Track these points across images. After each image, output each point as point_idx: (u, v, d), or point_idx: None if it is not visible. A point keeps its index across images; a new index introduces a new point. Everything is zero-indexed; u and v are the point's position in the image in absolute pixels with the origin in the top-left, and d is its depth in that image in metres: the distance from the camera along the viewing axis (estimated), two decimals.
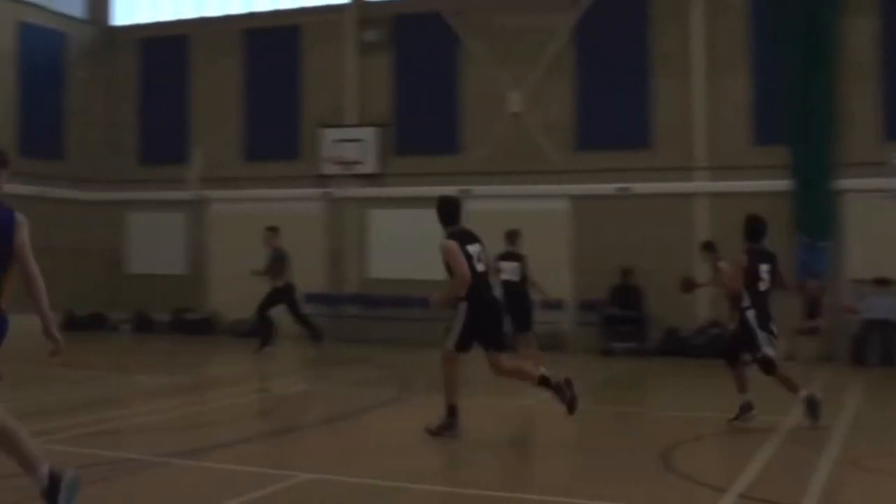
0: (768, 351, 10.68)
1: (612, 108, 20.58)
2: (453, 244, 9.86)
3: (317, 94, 23.18)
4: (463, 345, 9.94)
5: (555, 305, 19.01)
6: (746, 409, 10.78)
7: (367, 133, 22.47)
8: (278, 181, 22.79)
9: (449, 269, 9.90)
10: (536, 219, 19.94)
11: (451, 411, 9.98)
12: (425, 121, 22.07)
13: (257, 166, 23.49)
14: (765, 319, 10.73)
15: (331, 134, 22.64)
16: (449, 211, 10.32)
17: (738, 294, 10.84)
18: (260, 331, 18.05)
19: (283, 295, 17.83)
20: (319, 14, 23.52)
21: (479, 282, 9.89)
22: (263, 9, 24.42)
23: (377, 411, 12.40)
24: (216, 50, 24.38)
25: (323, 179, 22.78)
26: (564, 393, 9.80)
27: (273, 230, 18.05)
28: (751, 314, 10.72)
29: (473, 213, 21.82)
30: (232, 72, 24.10)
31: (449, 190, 21.45)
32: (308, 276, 22.06)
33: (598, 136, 20.66)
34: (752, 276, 10.76)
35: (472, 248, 9.96)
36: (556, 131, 21.16)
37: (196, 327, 22.79)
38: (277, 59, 23.62)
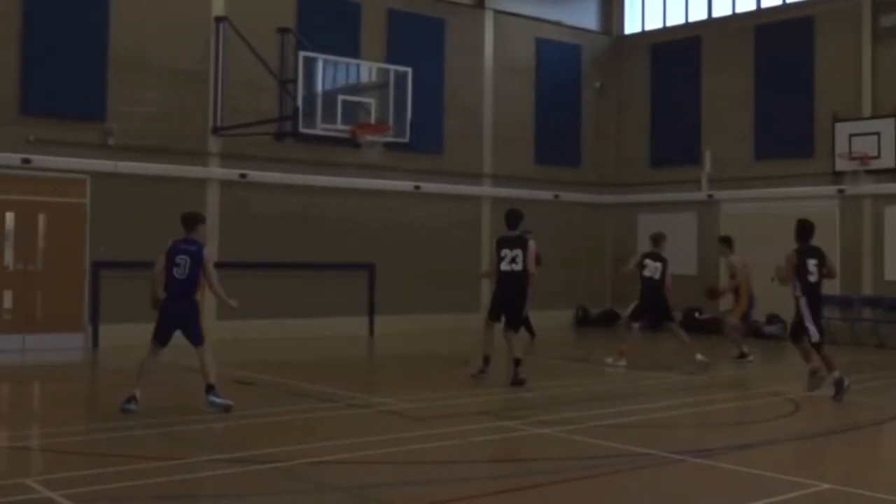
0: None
1: None
2: (494, 246, 13.73)
3: (830, 87, 22.29)
4: (492, 315, 13.89)
5: None
6: None
7: (884, 125, 21.17)
8: (789, 179, 22.22)
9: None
10: None
11: (485, 360, 13.73)
12: None
13: (768, 164, 23.08)
14: None
15: (845, 128, 21.64)
16: (507, 220, 13.73)
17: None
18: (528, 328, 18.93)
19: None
20: (832, 3, 22.62)
21: (502, 277, 13.52)
22: (773, 3, 23.95)
23: None
24: (727, 49, 24.31)
25: (836, 176, 21.84)
26: (517, 374, 13.35)
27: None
28: None
29: None
30: (742, 70, 23.90)
31: None
32: None
33: None
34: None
35: (509, 252, 13.40)
36: None
37: (707, 327, 22.78)
38: (789, 53, 23.03)
